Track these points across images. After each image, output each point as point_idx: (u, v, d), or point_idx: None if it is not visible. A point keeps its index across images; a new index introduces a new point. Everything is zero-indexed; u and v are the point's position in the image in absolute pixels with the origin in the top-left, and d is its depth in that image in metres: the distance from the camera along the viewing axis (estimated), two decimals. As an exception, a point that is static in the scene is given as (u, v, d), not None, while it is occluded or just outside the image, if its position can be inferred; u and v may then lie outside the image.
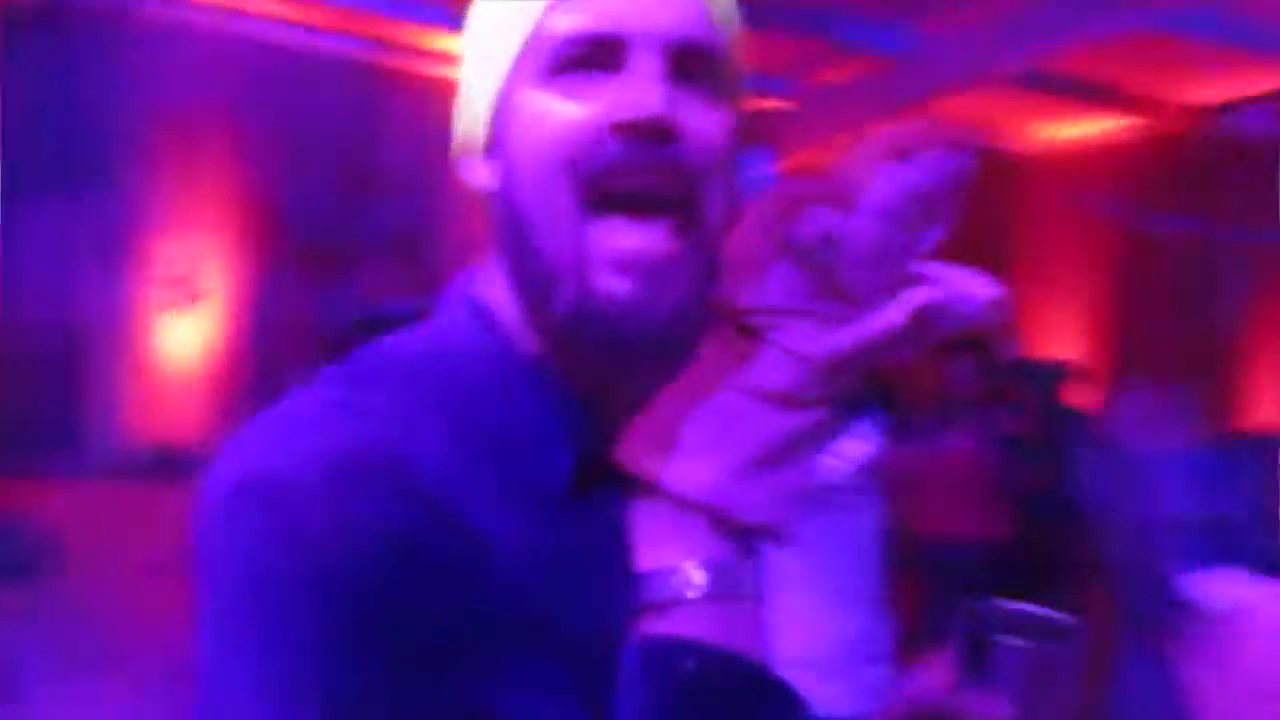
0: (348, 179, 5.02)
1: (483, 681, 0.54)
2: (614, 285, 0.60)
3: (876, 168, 0.64)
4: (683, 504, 0.56)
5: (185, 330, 5.01)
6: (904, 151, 0.63)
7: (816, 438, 0.56)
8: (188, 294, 4.96)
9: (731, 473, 0.56)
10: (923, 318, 0.61)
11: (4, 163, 4.15)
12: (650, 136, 0.61)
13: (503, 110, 0.66)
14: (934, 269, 0.66)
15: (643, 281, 0.60)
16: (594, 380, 0.63)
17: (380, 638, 0.52)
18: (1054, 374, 4.21)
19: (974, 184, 0.66)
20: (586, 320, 0.61)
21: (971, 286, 0.68)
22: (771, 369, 0.57)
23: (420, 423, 0.58)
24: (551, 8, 0.64)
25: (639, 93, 0.61)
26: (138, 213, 4.91)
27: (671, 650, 0.55)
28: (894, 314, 0.62)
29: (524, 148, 0.63)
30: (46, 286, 4.34)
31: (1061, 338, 5.65)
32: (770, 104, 5.78)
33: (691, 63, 0.64)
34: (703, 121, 0.63)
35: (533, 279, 0.63)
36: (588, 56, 0.63)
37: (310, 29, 5.11)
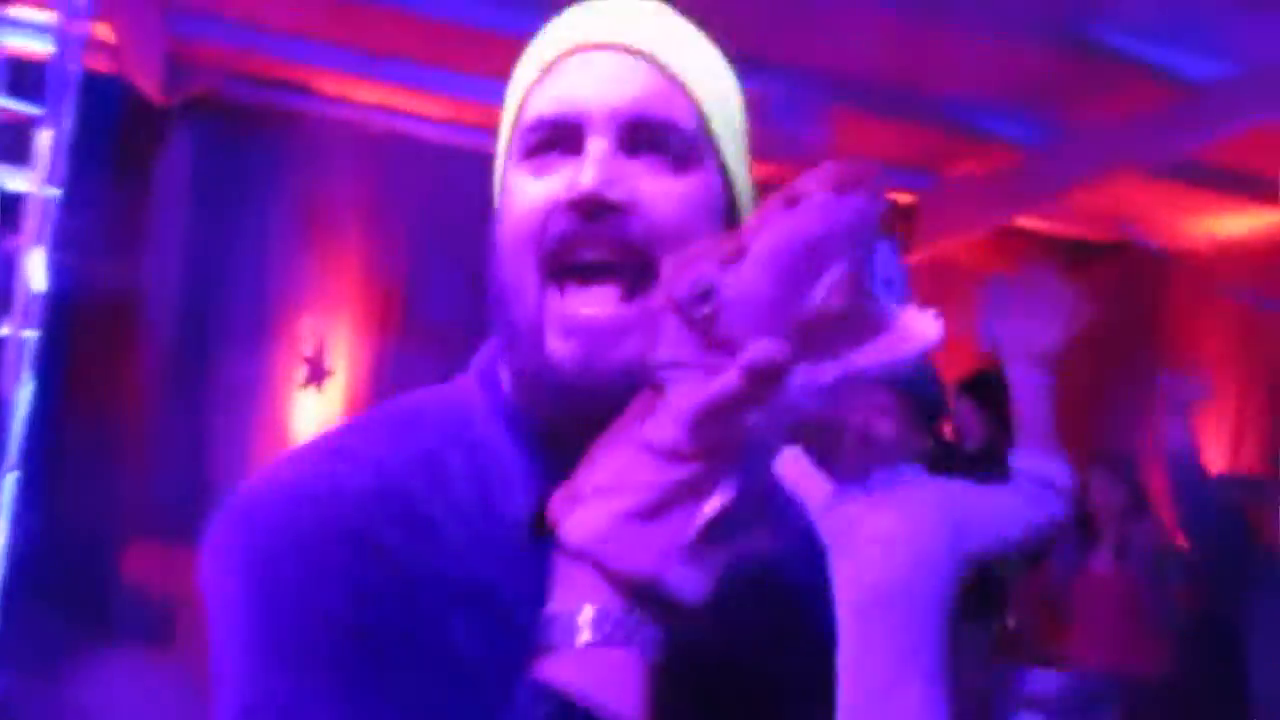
0: (476, 265, 5.11)
1: (414, 691, 0.62)
2: (562, 347, 0.68)
3: (767, 216, 0.61)
4: (572, 553, 0.59)
5: (315, 406, 5.13)
6: (792, 199, 0.61)
7: (698, 492, 0.56)
8: (319, 372, 5.09)
9: (613, 523, 0.58)
10: (766, 377, 0.57)
11: (154, 242, 4.35)
12: (594, 211, 0.67)
13: (501, 189, 0.75)
14: (865, 311, 0.61)
15: (587, 344, 0.67)
16: (562, 432, 0.68)
17: (319, 648, 0.61)
18: (1207, 482, 3.93)
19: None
20: (543, 378, 0.69)
21: (898, 337, 0.61)
22: (658, 422, 0.58)
23: (401, 463, 0.68)
24: (528, 95, 0.73)
25: (583, 172, 0.68)
26: (276, 293, 5.09)
27: (534, 696, 0.58)
28: (729, 376, 0.58)
29: (504, 223, 0.72)
30: (184, 360, 4.52)
31: (1213, 441, 5.31)
32: (904, 196, 5.69)
33: (646, 136, 0.69)
34: (654, 192, 0.68)
35: (509, 341, 0.72)
36: (553, 139, 0.71)
37: (448, 123, 5.28)
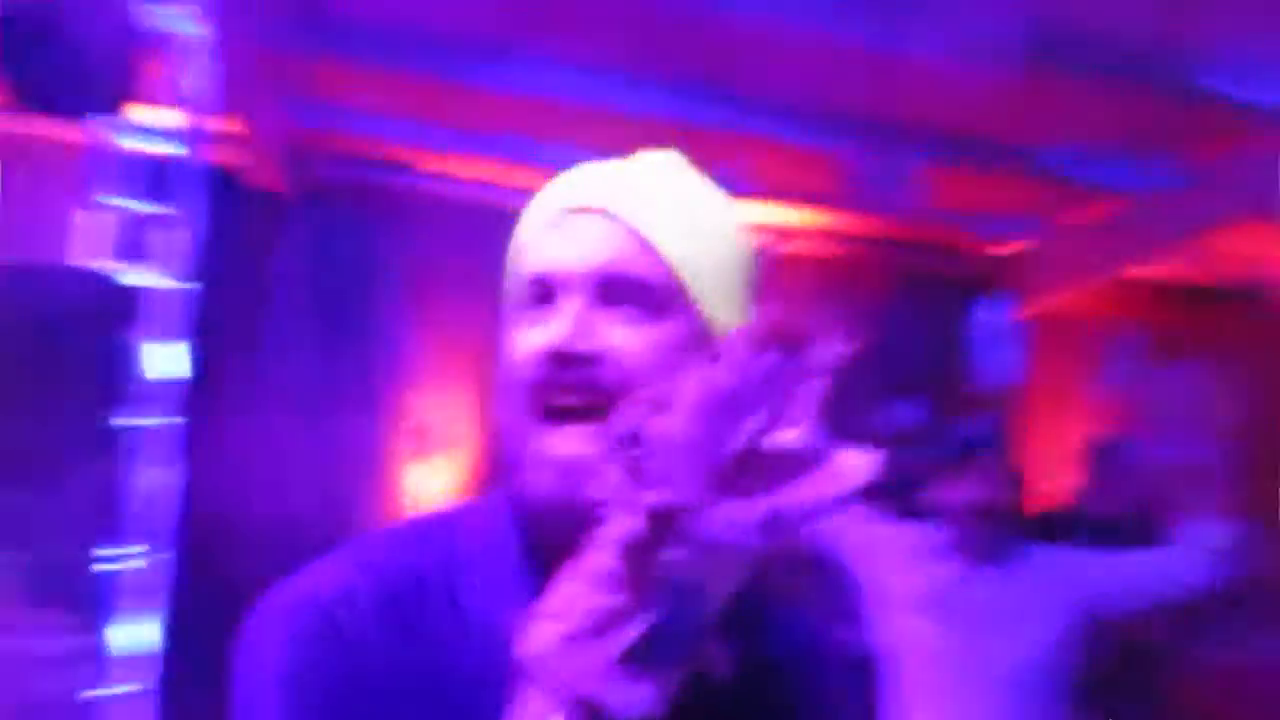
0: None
1: None
2: (539, 481, 0.77)
3: (695, 369, 0.68)
4: (524, 670, 0.65)
5: (429, 478, 5.24)
6: (715, 354, 0.68)
7: (627, 618, 0.62)
8: (431, 443, 5.20)
9: (555, 644, 0.64)
10: (663, 519, 0.63)
11: (271, 321, 4.53)
12: (566, 361, 0.77)
13: (506, 335, 0.85)
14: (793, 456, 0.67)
15: (558, 479, 0.76)
16: (549, 557, 0.73)
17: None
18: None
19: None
20: (524, 508, 0.79)
21: (829, 475, 0.66)
22: (594, 554, 0.64)
23: (408, 575, 0.78)
24: (526, 251, 0.84)
25: (556, 327, 0.78)
26: (386, 368, 5.24)
27: None
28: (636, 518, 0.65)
29: (503, 366, 0.82)
30: (301, 434, 4.67)
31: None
32: (1012, 247, 5.57)
33: (617, 291, 0.79)
34: (623, 341, 0.78)
35: (507, 471, 0.81)
36: (541, 294, 0.81)
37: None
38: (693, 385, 0.66)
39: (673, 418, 0.66)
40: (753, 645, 0.83)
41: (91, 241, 3.32)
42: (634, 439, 0.66)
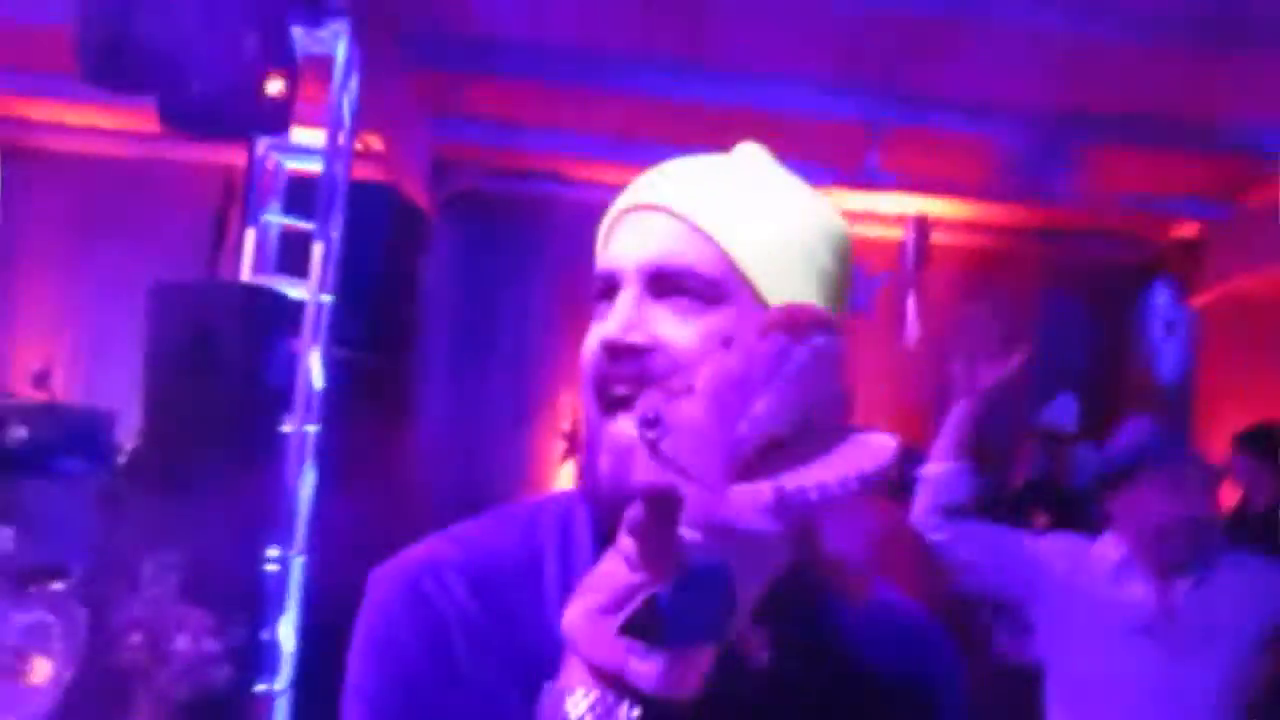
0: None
1: None
2: (600, 465, 0.80)
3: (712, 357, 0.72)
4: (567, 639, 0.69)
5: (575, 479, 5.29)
6: (728, 340, 0.73)
7: (645, 594, 0.65)
8: (577, 446, 5.26)
9: (585, 617, 0.67)
10: (659, 504, 0.66)
11: (424, 335, 4.65)
12: (620, 353, 0.80)
13: None
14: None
15: (614, 464, 0.79)
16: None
17: (400, 708, 0.78)
18: None
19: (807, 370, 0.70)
20: (592, 494, 0.82)
21: (854, 454, 0.68)
22: (622, 533, 0.67)
23: (501, 552, 0.84)
24: (598, 254, 0.87)
25: (612, 321, 0.81)
26: (536, 372, 5.32)
27: None
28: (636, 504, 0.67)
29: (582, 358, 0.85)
30: (454, 443, 4.79)
31: None
32: (1190, 231, 5.22)
33: (668, 283, 0.81)
34: (674, 332, 0.80)
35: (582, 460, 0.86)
36: (606, 290, 0.84)
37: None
38: (707, 371, 0.69)
39: (688, 403, 0.68)
40: (813, 634, 0.83)
41: (247, 256, 3.47)
42: (655, 422, 0.68)
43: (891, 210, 5.15)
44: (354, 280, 3.57)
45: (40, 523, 2.92)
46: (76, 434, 3.39)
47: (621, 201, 0.88)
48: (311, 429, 3.37)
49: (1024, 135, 4.17)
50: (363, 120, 3.82)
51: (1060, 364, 4.65)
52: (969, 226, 5.45)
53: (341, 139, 3.56)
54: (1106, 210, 5.05)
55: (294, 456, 3.30)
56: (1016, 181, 4.35)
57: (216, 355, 3.00)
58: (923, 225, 5.15)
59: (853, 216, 4.99)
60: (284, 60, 3.03)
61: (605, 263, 0.85)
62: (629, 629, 0.65)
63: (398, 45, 4.39)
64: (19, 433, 3.17)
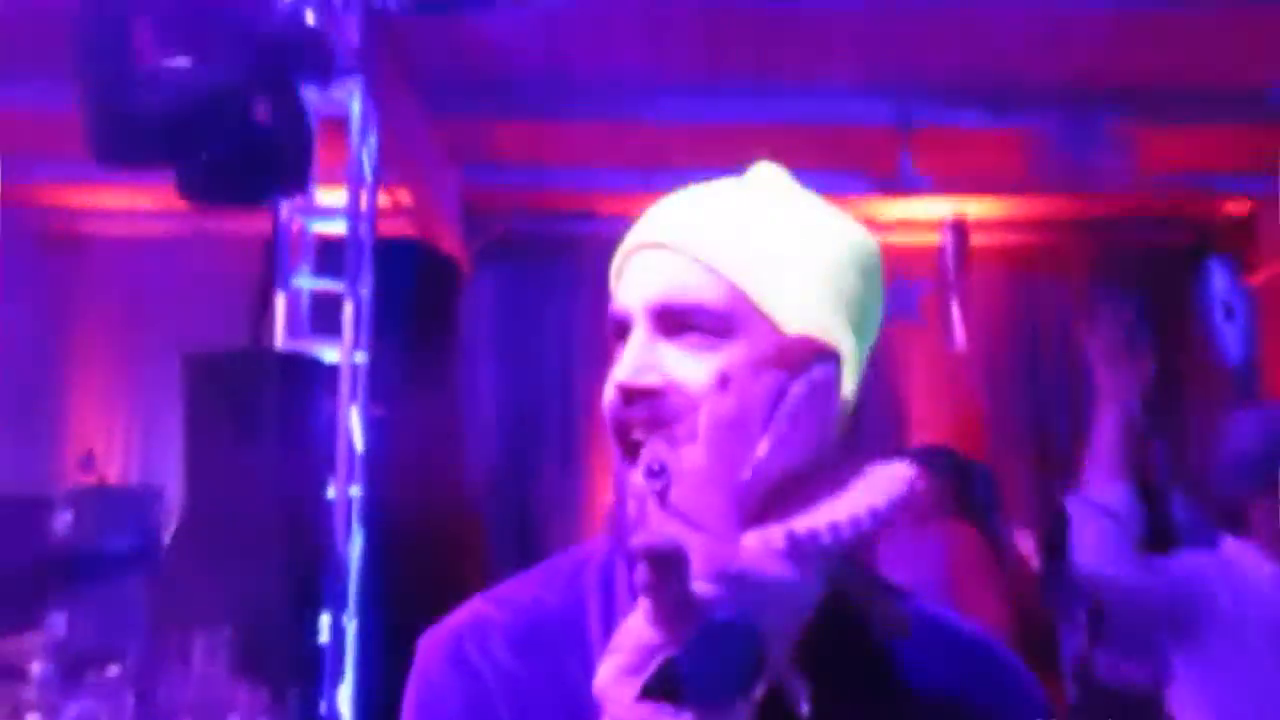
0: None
1: None
2: (624, 514, 0.75)
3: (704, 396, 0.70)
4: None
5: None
6: (724, 379, 0.68)
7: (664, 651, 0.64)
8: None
9: (611, 676, 0.66)
10: (658, 560, 0.65)
11: (467, 384, 4.63)
12: (633, 396, 0.78)
13: None
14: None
15: (636, 512, 0.72)
16: None
17: None
18: None
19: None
20: (616, 540, 0.81)
21: (874, 486, 0.65)
22: (636, 590, 0.66)
23: (543, 607, 0.83)
24: (612, 294, 0.86)
25: (622, 363, 0.80)
26: (583, 412, 5.26)
27: None
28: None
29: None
30: (506, 490, 4.75)
31: None
32: (1240, 207, 5.04)
33: (677, 320, 0.79)
34: (687, 371, 0.77)
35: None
36: (618, 332, 0.83)
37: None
38: (703, 417, 0.66)
39: (691, 449, 0.65)
40: (862, 673, 0.79)
41: (280, 321, 3.46)
42: (660, 472, 0.65)
43: (928, 215, 5.04)
44: (388, 337, 3.54)
45: (91, 606, 2.91)
46: (124, 513, 3.40)
47: (627, 241, 0.87)
48: (355, 491, 3.33)
49: (1059, 121, 4.05)
50: (389, 174, 3.81)
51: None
52: (1009, 224, 5.31)
53: (364, 197, 3.55)
54: (1151, 193, 4.88)
55: (341, 520, 3.27)
56: (1055, 171, 4.22)
57: (254, 423, 2.98)
58: (961, 227, 5.02)
59: (890, 225, 4.85)
60: (296, 121, 3.03)
61: (616, 305, 0.84)
62: (651, 691, 0.63)
63: (416, 96, 4.39)
64: (66, 517, 3.18)
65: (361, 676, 3.17)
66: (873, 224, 0.88)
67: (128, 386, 5.50)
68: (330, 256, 3.56)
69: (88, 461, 3.93)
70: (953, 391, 4.90)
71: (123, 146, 2.45)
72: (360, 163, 3.54)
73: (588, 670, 0.74)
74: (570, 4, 3.99)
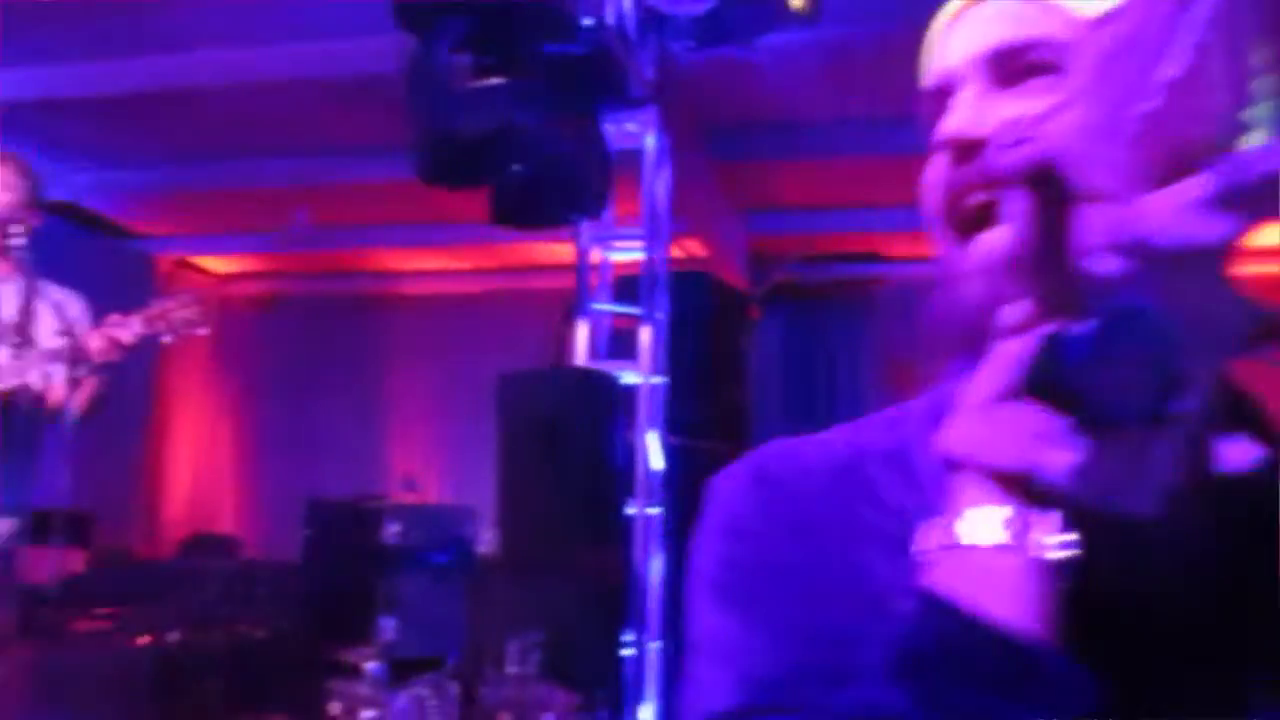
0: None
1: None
2: (964, 290, 0.64)
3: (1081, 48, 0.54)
4: (951, 464, 0.55)
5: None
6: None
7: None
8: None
9: (972, 419, 0.53)
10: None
11: (755, 418, 4.60)
12: (969, 150, 0.65)
13: None
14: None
15: (986, 288, 0.62)
16: None
17: (746, 586, 0.66)
18: None
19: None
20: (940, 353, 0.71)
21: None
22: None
23: (859, 451, 0.71)
24: (926, 75, 0.72)
25: (949, 121, 0.67)
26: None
27: (919, 604, 0.54)
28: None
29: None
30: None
31: None
32: None
33: (1014, 64, 0.66)
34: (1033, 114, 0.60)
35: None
36: (939, 104, 0.68)
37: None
38: (1083, 63, 0.51)
39: (1069, 112, 0.51)
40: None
41: (581, 345, 3.56)
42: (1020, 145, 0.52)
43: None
44: (681, 364, 3.57)
45: (416, 613, 3.05)
46: (444, 530, 3.58)
47: (944, 12, 0.74)
48: (654, 511, 3.33)
49: None
50: (678, 221, 3.89)
51: None
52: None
53: (659, 227, 3.62)
54: None
55: (640, 540, 3.27)
56: None
57: (563, 440, 3.06)
58: None
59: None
60: (595, 145, 3.14)
61: (933, 73, 0.70)
62: (1025, 393, 0.50)
63: (701, 137, 4.48)
64: (394, 529, 3.37)
65: (666, 698, 3.12)
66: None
67: (439, 417, 6.05)
68: (624, 289, 3.65)
69: (410, 482, 4.17)
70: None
71: (441, 165, 2.61)
72: (653, 190, 3.63)
73: (917, 496, 0.63)
74: (854, 33, 3.97)
